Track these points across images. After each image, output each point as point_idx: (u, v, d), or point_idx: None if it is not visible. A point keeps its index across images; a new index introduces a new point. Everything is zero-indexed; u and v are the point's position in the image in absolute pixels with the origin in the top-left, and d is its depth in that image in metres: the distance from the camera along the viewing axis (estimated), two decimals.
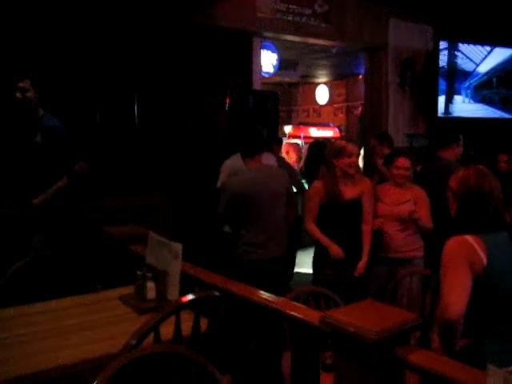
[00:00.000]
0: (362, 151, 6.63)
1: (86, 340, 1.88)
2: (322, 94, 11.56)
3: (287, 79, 10.04)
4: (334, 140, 3.53)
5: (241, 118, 5.23)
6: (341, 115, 11.60)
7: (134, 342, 1.48)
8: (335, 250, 3.08)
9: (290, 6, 5.25)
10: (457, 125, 6.04)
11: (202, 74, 5.01)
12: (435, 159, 4.15)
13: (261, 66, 5.94)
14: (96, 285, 2.51)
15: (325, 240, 3.10)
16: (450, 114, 6.29)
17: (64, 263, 2.60)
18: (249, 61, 5.52)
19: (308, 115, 12.14)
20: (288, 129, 9.32)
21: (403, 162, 3.40)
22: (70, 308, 2.23)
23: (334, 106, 11.53)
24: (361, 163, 6.77)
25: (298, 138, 9.11)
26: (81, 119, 4.27)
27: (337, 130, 9.85)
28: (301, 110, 12.21)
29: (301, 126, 9.58)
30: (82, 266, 2.59)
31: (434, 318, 1.82)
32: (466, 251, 1.72)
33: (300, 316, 1.60)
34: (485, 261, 1.68)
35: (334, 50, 7.21)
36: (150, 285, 2.19)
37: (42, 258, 2.59)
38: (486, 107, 6.47)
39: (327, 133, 9.39)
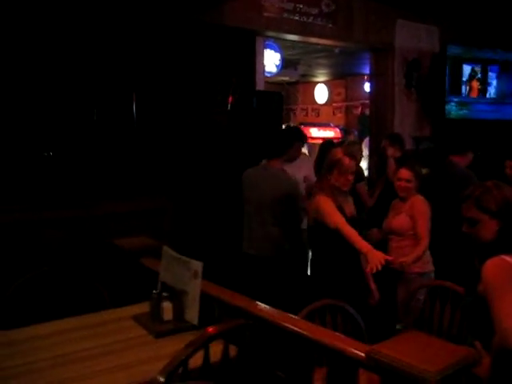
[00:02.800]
0: (364, 152, 6.65)
1: (101, 369, 1.73)
2: (320, 94, 11.48)
3: (287, 78, 9.97)
4: (334, 149, 3.15)
5: (244, 119, 5.12)
6: (339, 115, 11.52)
7: (162, 379, 1.34)
8: (377, 256, 2.50)
9: (297, 5, 5.12)
10: (464, 126, 5.98)
11: (203, 73, 4.88)
12: (448, 165, 4.03)
13: (264, 66, 5.82)
14: (106, 301, 2.38)
15: (363, 244, 2.61)
16: (456, 115, 6.23)
17: (70, 277, 2.48)
18: (252, 60, 5.40)
19: (306, 114, 12.03)
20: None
21: (404, 173, 3.26)
22: (79, 329, 2.07)
23: (333, 105, 11.44)
24: (364, 164, 6.78)
25: None
26: (76, 117, 4.15)
27: (338, 130, 9.76)
28: (299, 109, 12.08)
29: (302, 127, 9.47)
30: (90, 281, 2.45)
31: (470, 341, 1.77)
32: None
33: (341, 348, 1.46)
34: None
35: (337, 50, 7.12)
36: (167, 305, 2.05)
37: (45, 273, 2.47)
38: (495, 107, 6.40)
39: (328, 133, 9.31)
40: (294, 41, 5.82)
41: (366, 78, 9.63)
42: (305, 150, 8.69)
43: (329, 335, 1.56)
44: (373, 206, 4.37)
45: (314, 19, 5.26)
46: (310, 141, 8.40)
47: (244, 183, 3.54)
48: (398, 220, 3.22)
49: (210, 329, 1.51)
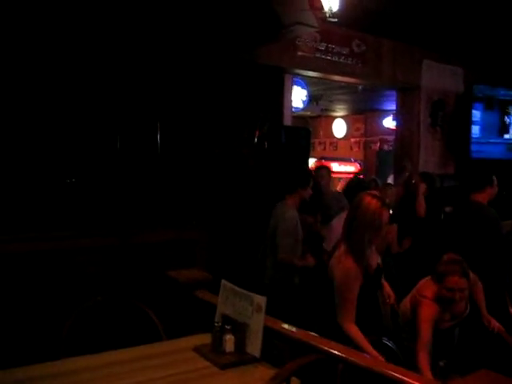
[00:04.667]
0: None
1: None
2: (339, 128, 11.66)
3: (309, 113, 10.19)
4: (365, 197, 2.62)
5: (271, 153, 5.25)
6: (357, 149, 11.71)
7: None
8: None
9: (330, 46, 5.33)
10: (488, 165, 6.05)
11: (232, 107, 5.03)
12: (467, 204, 4.07)
13: (291, 102, 5.99)
14: (160, 333, 2.43)
15: (372, 352, 2.38)
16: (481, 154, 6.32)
17: (124, 307, 2.51)
18: (281, 96, 5.55)
19: (324, 148, 12.24)
20: (310, 163, 9.25)
21: (458, 282, 2.79)
22: (141, 359, 2.10)
23: (351, 140, 11.63)
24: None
25: None
26: (100, 145, 4.26)
27: (358, 165, 9.86)
28: (317, 142, 12.30)
29: (323, 161, 9.62)
30: (145, 312, 2.49)
31: None
32: None
33: None
34: None
35: (361, 87, 7.30)
36: (229, 337, 2.11)
37: (99, 303, 2.48)
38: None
39: (348, 168, 9.42)
40: (320, 78, 6.00)
41: (385, 113, 9.79)
42: None
43: (407, 374, 1.61)
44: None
45: (344, 59, 5.47)
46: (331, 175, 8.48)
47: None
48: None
49: (292, 363, 1.56)
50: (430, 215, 4.51)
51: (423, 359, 2.57)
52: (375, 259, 2.68)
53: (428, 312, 2.77)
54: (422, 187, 4.56)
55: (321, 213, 4.41)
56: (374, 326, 2.60)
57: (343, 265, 2.55)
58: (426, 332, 2.69)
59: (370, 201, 2.57)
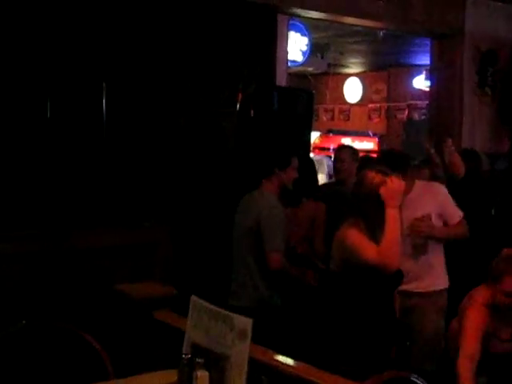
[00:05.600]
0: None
1: None
2: (352, 90, 11.70)
3: (311, 69, 10.12)
4: (367, 173, 3.07)
5: (259, 124, 5.26)
6: (376, 119, 11.78)
7: None
8: None
9: None
10: None
11: (203, 60, 5.03)
12: None
13: (287, 53, 5.99)
14: (108, 370, 2.45)
15: None
16: None
17: (56, 334, 2.50)
18: (272, 45, 5.58)
19: (332, 118, 12.32)
20: (312, 138, 9.25)
21: None
22: None
23: (369, 106, 11.69)
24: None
25: (326, 150, 9.21)
26: (23, 113, 4.27)
27: (378, 140, 9.94)
28: (323, 109, 12.34)
29: (330, 135, 9.68)
30: (86, 342, 2.48)
31: None
32: None
33: None
34: None
35: (382, 34, 7.33)
36: (202, 374, 2.09)
37: (26, 329, 2.48)
38: None
39: (365, 145, 9.45)
40: (329, 20, 5.99)
41: (415, 70, 9.99)
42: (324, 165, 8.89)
43: None
44: None
45: None
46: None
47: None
48: None
49: None
50: (476, 208, 4.55)
51: (464, 369, 2.73)
52: None
53: (475, 316, 2.90)
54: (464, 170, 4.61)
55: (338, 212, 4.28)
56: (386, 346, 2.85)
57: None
58: (470, 341, 2.82)
59: (373, 176, 2.91)
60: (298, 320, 3.80)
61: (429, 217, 3.60)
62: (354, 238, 2.87)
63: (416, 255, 3.58)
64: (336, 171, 4.83)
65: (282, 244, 3.71)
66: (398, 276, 2.96)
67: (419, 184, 3.74)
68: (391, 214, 2.79)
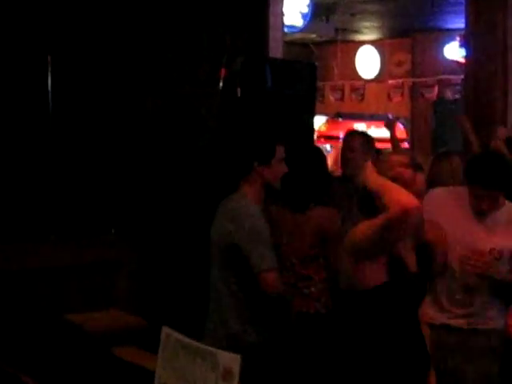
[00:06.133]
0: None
1: None
2: (367, 62, 11.66)
3: (313, 36, 10.19)
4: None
5: (249, 110, 5.19)
6: (398, 99, 11.71)
7: None
8: None
9: None
10: None
11: (176, 27, 4.98)
12: None
13: (283, 16, 5.99)
14: None
15: None
16: None
17: None
18: (263, 6, 5.52)
19: (342, 97, 12.25)
20: (317, 123, 9.18)
21: None
22: None
23: (389, 82, 11.64)
24: None
25: (335, 139, 9.13)
26: None
27: (401, 126, 9.85)
28: (329, 87, 12.28)
29: (339, 120, 9.63)
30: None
31: None
32: None
33: None
34: None
35: None
36: None
37: None
38: None
39: (384, 132, 9.35)
40: None
41: (446, 35, 10.01)
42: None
43: None
44: None
45: None
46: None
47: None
48: None
49: None
50: None
51: None
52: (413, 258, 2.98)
53: None
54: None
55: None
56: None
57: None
58: None
59: (402, 168, 2.96)
60: (288, 359, 3.74)
61: (499, 253, 3.58)
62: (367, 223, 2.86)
63: (471, 289, 3.62)
64: (343, 163, 4.80)
65: (275, 259, 3.62)
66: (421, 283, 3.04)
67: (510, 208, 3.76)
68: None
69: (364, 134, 5.20)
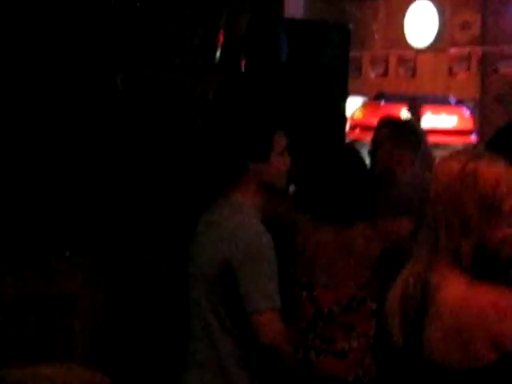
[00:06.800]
0: None
1: None
2: (420, 24, 11.72)
3: None
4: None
5: (258, 90, 5.29)
6: (464, 74, 11.79)
7: None
8: None
9: None
10: None
11: None
12: None
13: None
14: None
15: None
16: None
17: None
18: None
19: (385, 72, 12.42)
20: (351, 108, 9.07)
21: None
22: None
23: (451, 52, 11.75)
24: None
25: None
26: None
27: (466, 112, 9.75)
28: (367, 58, 12.39)
29: (382, 103, 9.56)
30: None
31: None
32: None
33: None
34: None
35: None
36: None
37: None
38: None
39: (443, 120, 9.22)
40: None
41: None
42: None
43: None
44: None
45: None
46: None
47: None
48: None
49: None
50: None
51: None
52: None
53: None
54: None
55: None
56: None
57: None
58: None
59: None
60: None
61: None
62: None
63: None
64: (372, 161, 4.94)
65: (278, 297, 3.59)
66: None
67: None
68: None
69: (397, 124, 5.43)
